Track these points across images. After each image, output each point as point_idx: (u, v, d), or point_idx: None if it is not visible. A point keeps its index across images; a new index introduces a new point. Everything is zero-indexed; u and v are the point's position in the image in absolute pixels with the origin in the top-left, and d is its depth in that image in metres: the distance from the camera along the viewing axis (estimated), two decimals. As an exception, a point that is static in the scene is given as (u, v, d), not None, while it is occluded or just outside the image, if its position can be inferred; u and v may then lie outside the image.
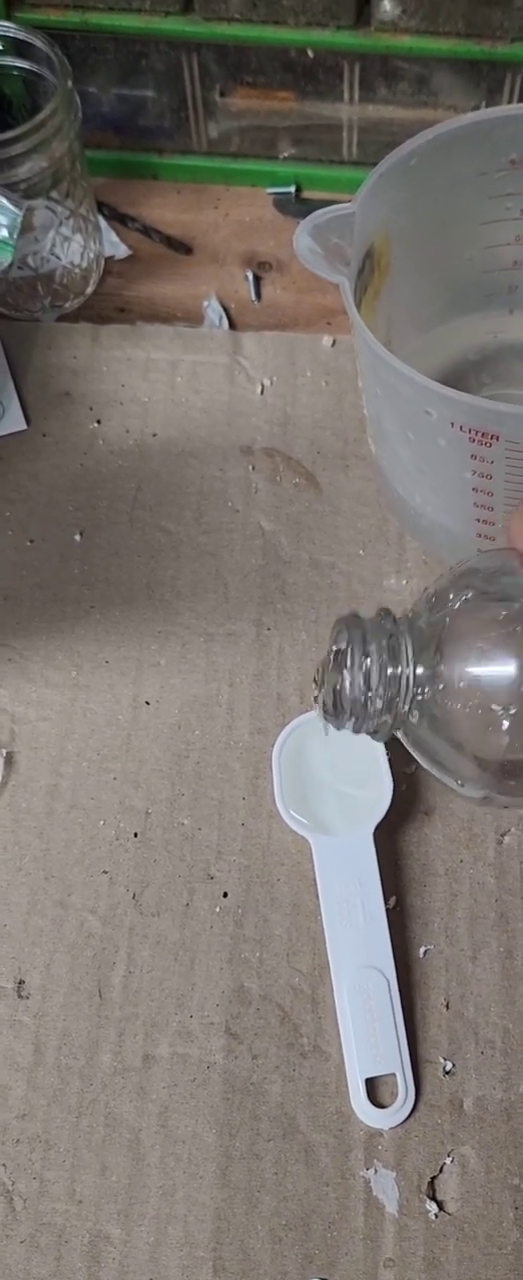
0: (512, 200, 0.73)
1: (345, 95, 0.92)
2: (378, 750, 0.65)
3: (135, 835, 0.66)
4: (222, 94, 0.92)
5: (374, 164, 0.90)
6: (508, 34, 0.86)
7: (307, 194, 0.97)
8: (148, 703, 0.70)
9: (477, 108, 0.90)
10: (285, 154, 0.95)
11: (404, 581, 0.74)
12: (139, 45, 0.90)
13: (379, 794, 0.65)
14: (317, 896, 0.63)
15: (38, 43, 0.81)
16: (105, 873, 0.65)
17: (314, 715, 0.63)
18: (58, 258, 0.84)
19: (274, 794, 0.66)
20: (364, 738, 0.62)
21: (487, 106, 0.90)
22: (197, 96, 0.92)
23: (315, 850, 0.64)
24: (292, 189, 0.97)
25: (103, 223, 0.93)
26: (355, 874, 0.62)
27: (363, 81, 0.91)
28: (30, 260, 0.83)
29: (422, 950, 0.63)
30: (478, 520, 0.68)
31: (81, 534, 0.77)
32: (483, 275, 0.78)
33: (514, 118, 0.71)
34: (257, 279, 0.91)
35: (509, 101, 0.91)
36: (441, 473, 0.67)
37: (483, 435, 0.61)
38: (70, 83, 0.80)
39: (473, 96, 0.91)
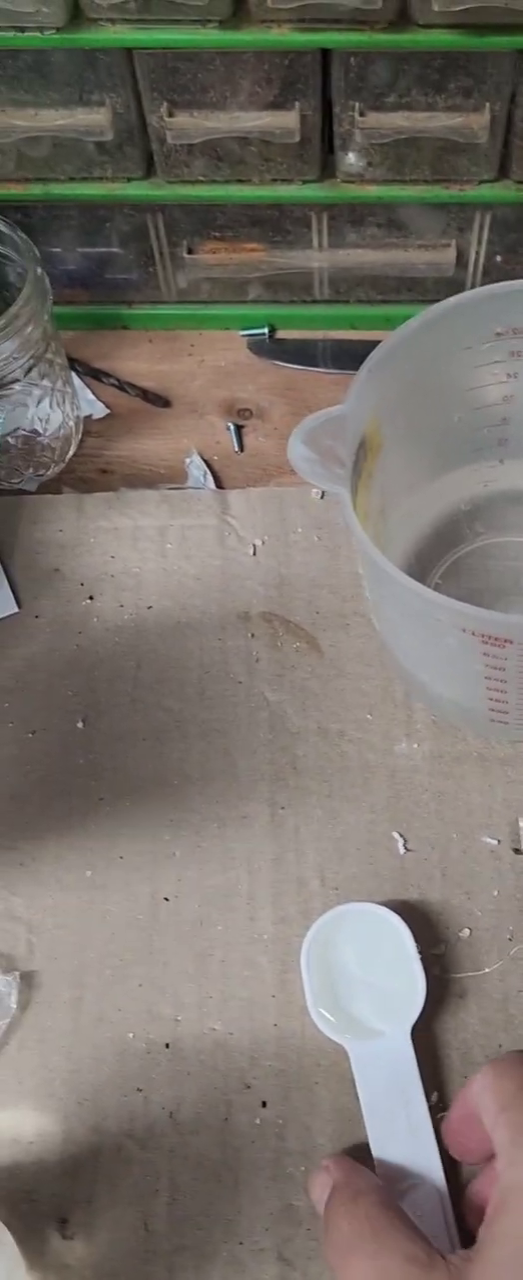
0: (498, 366, 0.75)
1: (315, 243, 0.92)
2: (407, 941, 0.64)
3: (167, 1046, 0.65)
4: (189, 250, 0.91)
5: (347, 301, 0.91)
6: (475, 178, 0.87)
7: (281, 334, 0.97)
8: (166, 899, 0.69)
9: (448, 245, 0.90)
10: (257, 297, 0.94)
11: (415, 745, 0.74)
12: (103, 209, 0.90)
13: (412, 987, 0.65)
14: (357, 1098, 0.61)
15: (1, 226, 0.79)
16: (139, 1090, 0.63)
17: (340, 910, 0.65)
18: (37, 434, 0.82)
19: (305, 996, 0.65)
20: (390, 929, 0.64)
21: (457, 241, 0.91)
22: (164, 252, 0.92)
23: (354, 1059, 0.63)
24: (265, 330, 0.96)
25: (77, 381, 0.92)
26: (397, 1080, 0.62)
27: (331, 229, 0.91)
28: (10, 439, 0.82)
29: (470, 1150, 0.61)
30: (491, 700, 0.68)
31: (84, 721, 0.75)
32: (472, 433, 0.78)
33: (497, 295, 0.73)
34: (238, 429, 0.90)
35: (480, 237, 0.92)
36: (450, 663, 0.67)
37: (496, 639, 0.61)
38: (40, 269, 0.79)
39: (444, 235, 0.91)
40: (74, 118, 0.83)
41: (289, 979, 0.66)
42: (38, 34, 0.78)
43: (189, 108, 0.83)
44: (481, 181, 0.87)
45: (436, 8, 0.75)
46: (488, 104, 0.82)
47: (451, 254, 0.92)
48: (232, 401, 0.92)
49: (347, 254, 0.93)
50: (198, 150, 0.85)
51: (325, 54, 0.80)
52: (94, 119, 0.83)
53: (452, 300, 0.73)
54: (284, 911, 0.68)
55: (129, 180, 0.88)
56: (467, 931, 0.68)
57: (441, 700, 0.73)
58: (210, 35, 0.78)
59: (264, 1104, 0.63)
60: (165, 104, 0.82)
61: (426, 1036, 0.64)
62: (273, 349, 0.96)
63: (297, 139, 0.83)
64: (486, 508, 0.82)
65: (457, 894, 0.69)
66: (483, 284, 0.94)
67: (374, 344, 0.88)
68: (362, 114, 0.82)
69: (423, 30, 0.78)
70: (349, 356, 0.94)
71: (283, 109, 0.83)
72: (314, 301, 0.96)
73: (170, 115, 0.82)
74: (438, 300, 0.89)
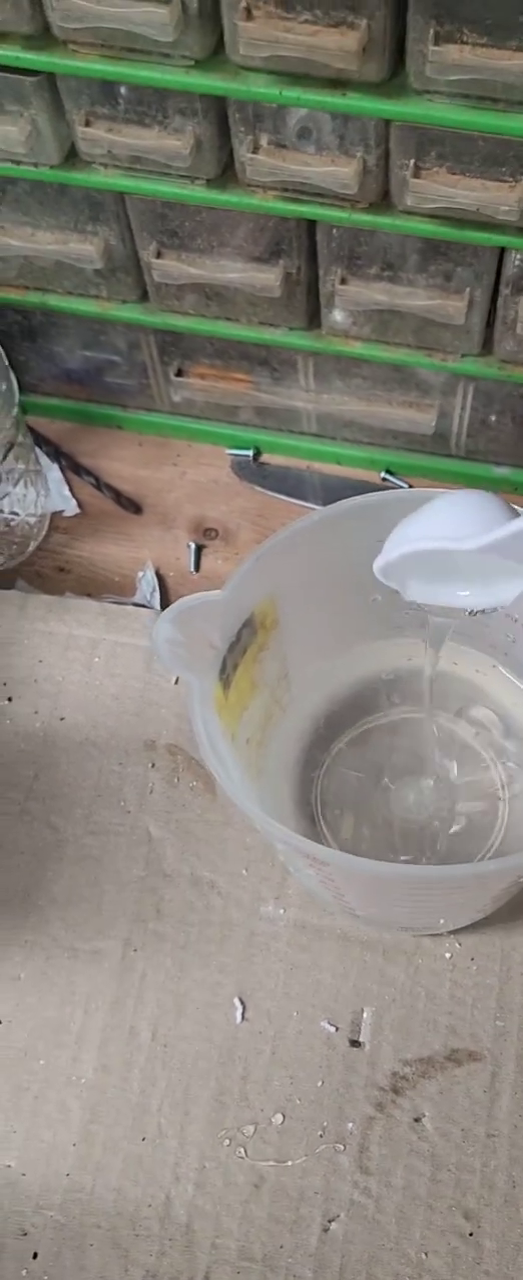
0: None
1: (301, 383, 0.88)
2: None
3: (-41, 1176, 0.62)
4: (179, 372, 0.89)
5: (334, 438, 0.87)
6: (458, 350, 0.81)
7: (266, 457, 0.93)
8: (0, 1021, 0.66)
9: (431, 405, 0.86)
10: (246, 420, 0.91)
11: (282, 910, 0.70)
12: (98, 324, 0.87)
13: None
14: (127, 1271, 0.58)
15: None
16: None
17: None
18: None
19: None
20: None
21: (441, 403, 0.87)
22: (156, 369, 0.90)
23: None
24: (250, 453, 0.92)
25: (57, 475, 0.90)
26: None
27: (318, 374, 0.87)
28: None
29: None
30: (334, 897, 0.64)
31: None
32: (394, 612, 0.74)
33: (405, 500, 0.69)
34: (199, 549, 0.87)
35: (463, 402, 0.86)
36: (288, 853, 0.63)
37: (312, 859, 0.57)
38: (4, 384, 0.79)
39: (428, 395, 0.86)
40: (67, 244, 0.82)
41: (94, 1131, 0.64)
42: (33, 168, 0.77)
43: (177, 250, 0.81)
44: (464, 355, 0.81)
45: (409, 201, 0.70)
46: (468, 289, 0.77)
47: (430, 417, 0.87)
48: (202, 519, 0.90)
49: (331, 398, 0.89)
50: (188, 287, 0.82)
51: (311, 220, 0.77)
52: (86, 248, 0.81)
53: (355, 500, 0.69)
54: (108, 1060, 0.66)
55: (123, 303, 0.86)
56: (280, 1117, 0.64)
57: (299, 878, 0.69)
58: (196, 192, 0.76)
59: (35, 1255, 0.61)
60: (154, 244, 0.80)
61: (202, 1223, 0.60)
62: (255, 473, 0.93)
63: (278, 294, 0.80)
64: (407, 680, 0.78)
65: (281, 1075, 0.65)
66: (468, 443, 0.90)
67: (358, 482, 0.86)
68: (343, 281, 0.79)
69: (402, 215, 0.74)
70: (331, 491, 0.91)
71: (267, 264, 0.80)
72: (301, 433, 0.92)
73: (158, 256, 0.80)
74: (423, 452, 0.86)
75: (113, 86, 0.71)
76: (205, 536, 0.89)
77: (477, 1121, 0.64)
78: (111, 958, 0.69)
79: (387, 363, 0.85)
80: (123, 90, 0.71)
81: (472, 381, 0.84)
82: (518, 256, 0.75)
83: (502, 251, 0.75)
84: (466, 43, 0.62)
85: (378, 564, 0.57)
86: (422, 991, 0.68)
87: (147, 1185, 0.63)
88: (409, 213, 0.72)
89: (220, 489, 0.92)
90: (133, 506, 0.90)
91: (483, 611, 0.58)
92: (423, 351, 0.83)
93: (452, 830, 0.72)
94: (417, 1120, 0.64)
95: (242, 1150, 0.63)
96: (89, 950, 0.69)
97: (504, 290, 0.77)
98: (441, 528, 0.55)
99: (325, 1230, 0.61)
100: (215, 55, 0.67)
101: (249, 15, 0.63)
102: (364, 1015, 0.67)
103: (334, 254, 0.78)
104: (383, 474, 0.92)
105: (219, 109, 0.70)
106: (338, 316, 0.82)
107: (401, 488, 0.90)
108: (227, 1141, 0.63)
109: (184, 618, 0.61)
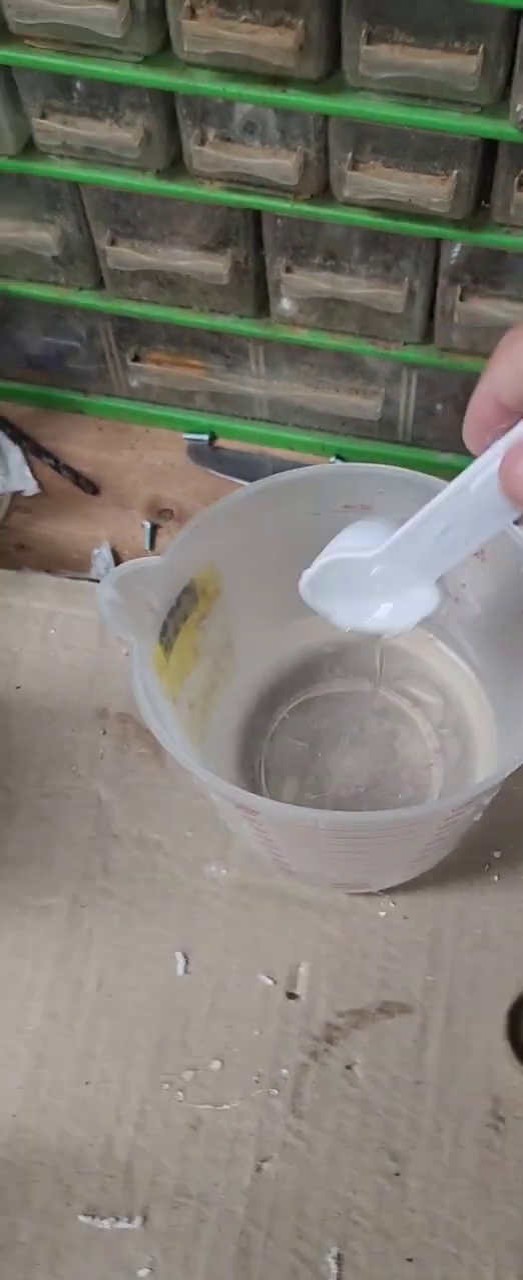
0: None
1: (253, 369, 0.89)
2: None
3: None
4: (136, 358, 0.90)
5: (285, 424, 0.89)
6: (400, 339, 0.83)
7: (221, 442, 0.94)
8: (-49, 972, 0.68)
9: (377, 393, 0.88)
10: (201, 406, 0.93)
11: (224, 871, 0.72)
12: (58, 310, 0.88)
13: None
14: (69, 1205, 0.60)
15: None
16: None
17: None
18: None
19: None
20: None
21: (387, 390, 0.88)
22: (114, 355, 0.91)
23: None
24: (206, 438, 0.94)
25: (19, 456, 0.91)
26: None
27: (268, 360, 0.88)
28: None
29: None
30: (270, 853, 0.67)
31: None
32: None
33: (342, 475, 0.71)
34: (153, 528, 0.89)
35: (408, 390, 0.88)
36: (226, 811, 0.66)
37: (247, 809, 0.59)
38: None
39: (373, 382, 0.88)
40: (25, 232, 0.83)
41: (40, 1075, 0.65)
42: (-12, 157, 0.77)
43: (130, 239, 0.83)
44: (405, 343, 0.83)
45: (347, 193, 0.72)
46: (407, 279, 0.79)
47: (375, 404, 0.88)
48: (157, 500, 0.91)
49: (281, 384, 0.90)
50: (142, 274, 0.84)
51: (257, 210, 0.79)
52: (43, 236, 0.83)
53: (294, 473, 0.71)
54: (55, 1009, 0.67)
55: (80, 289, 0.87)
56: (218, 1064, 0.66)
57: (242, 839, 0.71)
58: (146, 182, 0.78)
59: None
60: (108, 232, 0.81)
61: (141, 1162, 0.63)
62: (210, 457, 0.94)
63: (225, 282, 0.81)
64: (350, 651, 0.79)
65: (219, 1025, 0.67)
66: (414, 430, 0.92)
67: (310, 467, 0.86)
68: (288, 270, 0.80)
69: (342, 207, 0.75)
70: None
71: (216, 253, 0.81)
72: (254, 418, 0.93)
73: (112, 244, 0.82)
74: (371, 438, 0.87)
75: (68, 80, 0.72)
76: (160, 517, 0.90)
77: (406, 1069, 0.65)
78: (61, 913, 0.70)
79: (332, 350, 0.86)
80: (78, 84, 0.72)
81: (415, 369, 0.86)
82: (456, 248, 0.76)
83: (438, 243, 0.76)
84: (396, 42, 0.63)
85: (303, 583, 0.58)
86: (356, 948, 0.69)
87: (89, 1126, 0.64)
88: (348, 204, 0.73)
89: (176, 472, 0.93)
90: (90, 487, 0.91)
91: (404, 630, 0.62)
92: (366, 339, 0.85)
93: (391, 796, 0.73)
94: (348, 1068, 0.65)
95: (180, 1094, 0.65)
96: (39, 906, 0.70)
97: (442, 281, 0.79)
98: (354, 541, 0.59)
99: (258, 1170, 0.63)
100: (163, 52, 0.69)
101: (193, 14, 0.65)
102: (301, 969, 0.69)
103: (280, 244, 0.80)
104: (333, 459, 0.93)
105: (168, 103, 0.72)
106: (285, 304, 0.84)
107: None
108: (166, 1086, 0.65)
109: (124, 581, 0.63)
